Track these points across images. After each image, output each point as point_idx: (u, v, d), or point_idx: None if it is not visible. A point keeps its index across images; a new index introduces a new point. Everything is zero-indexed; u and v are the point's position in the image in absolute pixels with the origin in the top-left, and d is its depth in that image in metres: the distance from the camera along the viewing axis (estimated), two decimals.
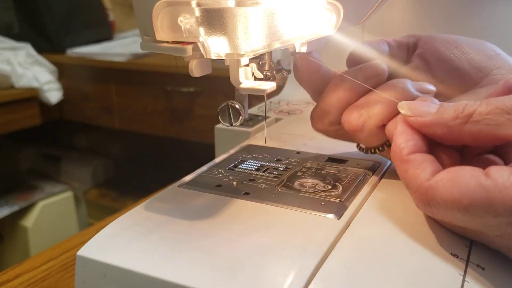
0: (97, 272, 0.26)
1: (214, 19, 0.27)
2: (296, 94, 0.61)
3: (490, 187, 0.22)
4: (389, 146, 0.32)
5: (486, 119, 0.25)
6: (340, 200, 0.31)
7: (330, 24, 0.28)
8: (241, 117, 0.32)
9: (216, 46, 0.28)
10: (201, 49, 0.27)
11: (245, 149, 0.41)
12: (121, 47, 1.44)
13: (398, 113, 0.30)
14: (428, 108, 0.28)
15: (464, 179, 0.23)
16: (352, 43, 0.34)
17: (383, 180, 0.35)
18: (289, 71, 0.34)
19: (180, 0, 0.26)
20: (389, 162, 0.37)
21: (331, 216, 0.29)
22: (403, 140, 0.28)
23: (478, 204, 0.23)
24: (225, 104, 0.32)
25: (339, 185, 0.33)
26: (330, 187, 0.33)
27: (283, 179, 0.34)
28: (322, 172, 0.36)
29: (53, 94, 1.38)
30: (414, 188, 0.26)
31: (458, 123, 0.26)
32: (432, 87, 0.33)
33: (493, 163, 0.27)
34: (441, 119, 0.26)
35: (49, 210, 1.41)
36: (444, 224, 0.28)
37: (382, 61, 0.34)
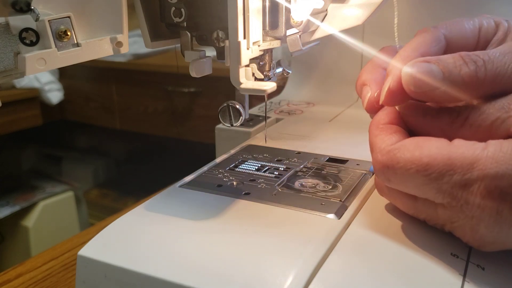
0: (98, 272, 0.26)
1: None
2: (297, 94, 0.61)
3: (452, 149, 0.23)
4: None
5: (478, 121, 0.25)
6: (340, 200, 0.31)
7: None
8: (241, 117, 0.32)
9: None
10: None
11: (246, 149, 0.41)
12: None
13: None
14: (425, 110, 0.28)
15: (428, 143, 0.24)
16: (352, 43, 0.34)
17: None
18: (289, 72, 0.34)
19: None
20: None
21: (331, 216, 0.29)
22: (385, 112, 0.29)
23: (437, 162, 0.23)
24: (226, 104, 0.32)
25: (339, 185, 0.33)
26: (331, 187, 0.33)
27: (284, 179, 0.34)
28: (323, 172, 0.36)
29: (54, 94, 1.38)
30: (378, 150, 0.26)
31: (455, 128, 0.26)
32: None
33: None
34: (437, 122, 0.27)
35: (50, 210, 1.41)
36: (397, 201, 0.28)
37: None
